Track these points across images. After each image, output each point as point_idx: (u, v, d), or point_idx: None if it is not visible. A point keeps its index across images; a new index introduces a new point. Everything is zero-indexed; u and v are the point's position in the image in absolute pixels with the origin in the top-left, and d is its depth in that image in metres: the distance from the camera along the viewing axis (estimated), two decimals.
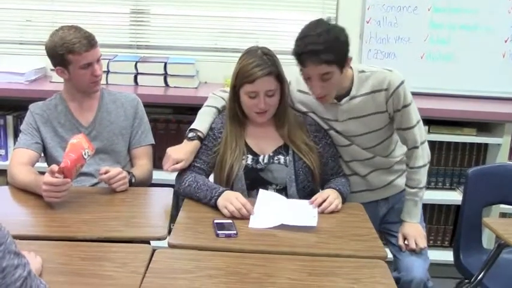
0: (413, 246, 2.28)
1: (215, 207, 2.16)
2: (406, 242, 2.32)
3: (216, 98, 2.45)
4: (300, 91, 2.42)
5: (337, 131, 2.40)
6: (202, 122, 2.36)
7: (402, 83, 2.28)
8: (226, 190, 2.19)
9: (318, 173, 2.34)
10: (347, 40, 2.18)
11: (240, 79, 2.23)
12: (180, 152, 2.28)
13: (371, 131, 2.38)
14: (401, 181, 2.51)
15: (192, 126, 2.36)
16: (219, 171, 2.33)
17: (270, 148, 2.34)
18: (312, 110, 2.41)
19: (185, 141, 2.33)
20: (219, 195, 2.16)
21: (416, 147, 2.34)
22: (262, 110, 2.25)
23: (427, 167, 2.39)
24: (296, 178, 2.30)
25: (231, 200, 2.13)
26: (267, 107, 2.25)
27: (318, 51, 2.11)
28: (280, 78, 2.25)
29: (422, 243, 2.29)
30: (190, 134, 2.33)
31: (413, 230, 2.33)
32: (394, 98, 2.28)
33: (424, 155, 2.36)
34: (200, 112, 2.42)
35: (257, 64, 2.20)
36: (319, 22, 2.18)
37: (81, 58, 2.34)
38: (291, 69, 2.29)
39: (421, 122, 2.37)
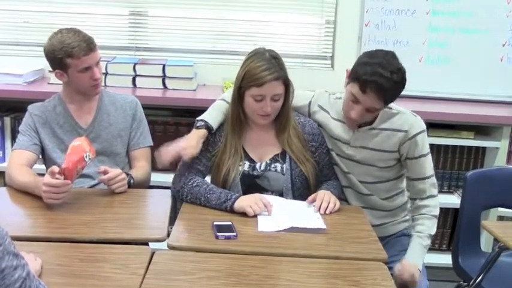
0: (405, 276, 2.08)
1: (224, 209, 2.15)
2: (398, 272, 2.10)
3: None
4: (320, 106, 2.41)
5: (341, 155, 2.37)
6: (213, 118, 2.31)
7: (423, 131, 2.27)
8: (242, 196, 2.19)
9: (313, 182, 2.33)
10: (405, 84, 2.16)
11: (247, 81, 2.19)
12: (192, 140, 2.23)
13: (374, 166, 2.34)
14: (393, 227, 2.45)
15: (203, 118, 2.30)
16: (216, 173, 2.32)
17: (267, 156, 2.33)
18: (324, 127, 2.39)
19: (194, 130, 2.28)
20: (236, 198, 2.15)
21: (428, 198, 2.28)
22: (267, 114, 2.23)
23: (436, 220, 2.28)
24: (292, 186, 2.30)
25: (252, 200, 2.13)
26: (272, 110, 2.22)
27: (384, 89, 2.09)
28: (286, 82, 2.22)
29: (415, 281, 2.08)
30: (200, 123, 2.27)
31: (412, 267, 2.11)
32: (412, 144, 2.25)
33: (436, 206, 2.29)
34: (214, 105, 2.37)
35: (266, 68, 2.16)
36: (394, 56, 2.15)
37: (80, 62, 2.32)
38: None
39: (434, 178, 2.31)
